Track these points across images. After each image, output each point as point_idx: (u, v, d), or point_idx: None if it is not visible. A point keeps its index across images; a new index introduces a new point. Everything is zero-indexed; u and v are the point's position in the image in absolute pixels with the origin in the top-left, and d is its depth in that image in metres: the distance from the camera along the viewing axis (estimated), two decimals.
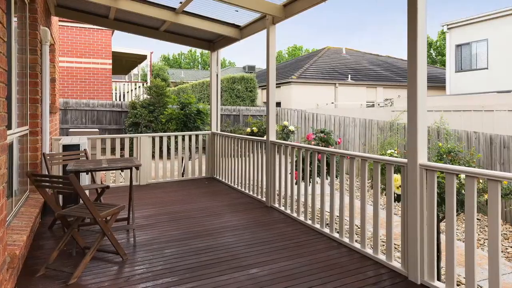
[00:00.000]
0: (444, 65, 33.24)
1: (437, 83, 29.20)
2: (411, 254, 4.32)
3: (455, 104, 17.20)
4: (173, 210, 7.24)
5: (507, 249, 7.86)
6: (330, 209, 5.77)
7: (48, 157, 6.52)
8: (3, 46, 3.55)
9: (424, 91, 4.25)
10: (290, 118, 19.53)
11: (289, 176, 7.00)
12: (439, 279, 5.12)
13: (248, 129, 12.49)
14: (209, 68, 11.19)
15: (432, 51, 52.68)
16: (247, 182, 8.60)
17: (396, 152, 6.16)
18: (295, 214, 6.73)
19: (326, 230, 5.86)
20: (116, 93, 23.00)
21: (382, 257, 4.85)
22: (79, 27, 18.90)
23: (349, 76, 27.94)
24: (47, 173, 6.44)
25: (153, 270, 4.52)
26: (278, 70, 29.37)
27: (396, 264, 4.65)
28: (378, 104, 26.46)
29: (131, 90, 24.08)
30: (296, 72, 27.19)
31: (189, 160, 10.29)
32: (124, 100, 22.98)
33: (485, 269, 6.41)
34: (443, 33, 43.95)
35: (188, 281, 4.24)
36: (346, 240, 5.45)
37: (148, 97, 18.15)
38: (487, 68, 25.05)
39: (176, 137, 10.27)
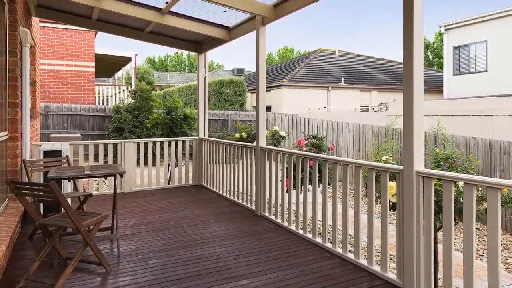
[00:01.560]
0: (442, 68, 33.34)
1: (434, 86, 29.31)
2: (407, 265, 4.33)
3: (453, 108, 17.27)
4: (159, 219, 7.22)
5: (507, 259, 7.89)
6: (323, 218, 5.78)
7: (28, 164, 6.48)
8: None
9: (421, 95, 4.27)
10: (280, 123, 19.54)
11: (279, 183, 7.00)
12: None
13: (237, 135, 12.48)
14: (196, 71, 11.19)
15: (429, 53, 53.06)
16: (236, 190, 8.59)
17: (391, 158, 6.19)
18: (286, 223, 6.73)
19: (319, 240, 5.86)
20: (99, 97, 22.89)
21: (376, 268, 4.86)
22: (61, 28, 18.81)
23: (343, 79, 28.04)
24: (27, 180, 6.40)
25: (138, 282, 4.50)
26: (269, 73, 29.37)
27: (392, 275, 4.66)
28: (373, 109, 26.56)
29: (115, 94, 24.00)
30: (287, 75, 27.25)
31: (175, 167, 10.26)
32: (107, 104, 22.86)
33: (484, 280, 6.43)
34: (440, 34, 44.23)
35: None
36: (339, 250, 5.45)
37: (133, 101, 18.08)
38: (486, 71, 25.07)
39: (162, 143, 10.25)
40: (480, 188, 5.07)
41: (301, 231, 6.30)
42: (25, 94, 7.12)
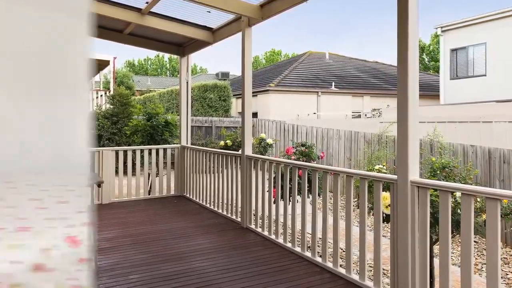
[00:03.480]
0: (438, 72, 33.49)
1: (430, 91, 29.42)
2: (402, 281, 4.32)
3: (450, 114, 17.34)
4: (139, 231, 7.17)
5: (507, 274, 7.91)
6: (312, 231, 5.77)
7: None
8: None
9: (416, 100, 4.28)
10: (268, 130, 19.55)
11: (266, 194, 6.99)
12: None
13: (222, 142, 12.46)
14: (178, 75, 11.17)
15: (424, 56, 53.30)
16: (221, 200, 8.56)
17: (385, 167, 6.20)
18: (273, 236, 6.71)
19: (308, 254, 5.85)
20: None
21: (369, 283, 4.85)
22: None
23: (333, 83, 28.10)
24: None
25: None
26: (255, 77, 29.39)
27: None
28: (365, 115, 26.61)
29: (92, 99, 23.87)
30: (274, 79, 27.26)
31: (156, 176, 10.22)
32: None
33: None
34: (436, 36, 44.32)
35: None
36: (330, 264, 5.45)
37: (111, 107, 18.00)
38: (485, 75, 25.05)
39: (142, 151, 10.21)
40: (478, 199, 5.09)
41: (289, 245, 6.28)
42: None
